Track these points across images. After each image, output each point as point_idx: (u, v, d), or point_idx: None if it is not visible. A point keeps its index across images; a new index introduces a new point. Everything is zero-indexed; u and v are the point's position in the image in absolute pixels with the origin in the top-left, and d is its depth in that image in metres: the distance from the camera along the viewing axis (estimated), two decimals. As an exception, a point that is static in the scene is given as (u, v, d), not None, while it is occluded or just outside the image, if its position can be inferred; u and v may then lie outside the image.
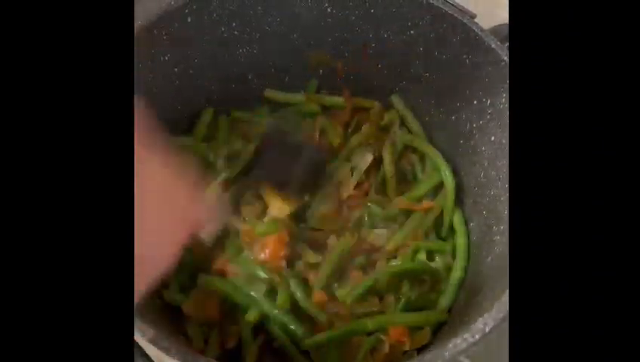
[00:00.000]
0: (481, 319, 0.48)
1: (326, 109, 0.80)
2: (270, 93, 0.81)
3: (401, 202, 0.72)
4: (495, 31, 0.76)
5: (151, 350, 0.69)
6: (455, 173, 0.76)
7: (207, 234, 0.63)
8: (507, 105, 0.64)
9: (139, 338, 0.47)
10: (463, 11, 0.66)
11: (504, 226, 0.64)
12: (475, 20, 0.66)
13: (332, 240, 0.68)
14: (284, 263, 0.65)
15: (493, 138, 0.67)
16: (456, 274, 0.67)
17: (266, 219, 0.68)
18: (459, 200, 0.75)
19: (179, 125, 0.75)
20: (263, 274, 0.63)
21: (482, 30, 0.65)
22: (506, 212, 0.64)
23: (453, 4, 0.67)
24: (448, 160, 0.77)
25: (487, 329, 0.48)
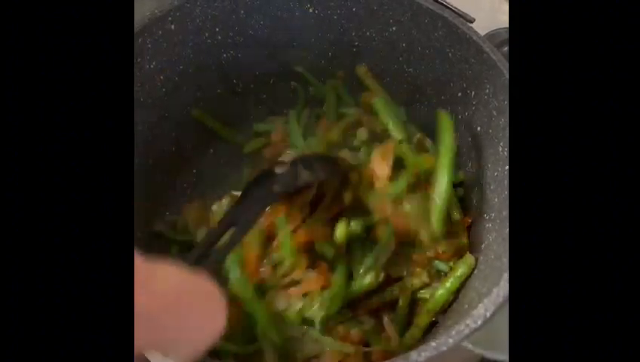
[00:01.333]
0: (481, 304, 0.49)
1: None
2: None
3: None
4: (494, 35, 0.78)
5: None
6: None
7: None
8: (491, 97, 0.65)
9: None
10: (461, 16, 0.68)
11: (495, 213, 0.66)
12: (473, 25, 0.67)
13: None
14: None
15: (479, 128, 0.69)
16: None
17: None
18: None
19: (165, 134, 0.75)
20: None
21: (463, 23, 0.67)
22: (497, 199, 0.65)
23: (452, 9, 0.69)
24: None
25: (488, 314, 0.49)
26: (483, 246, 0.67)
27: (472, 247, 0.70)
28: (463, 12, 0.72)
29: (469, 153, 0.72)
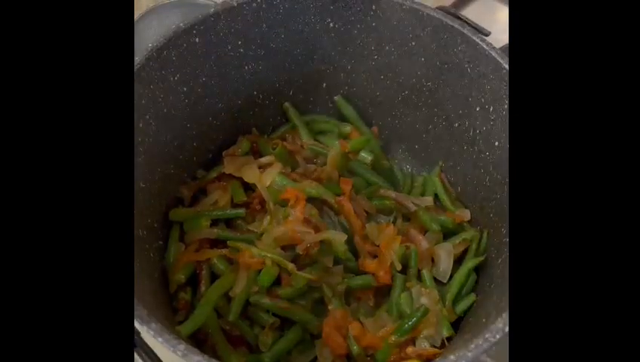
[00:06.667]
0: (500, 319, 0.50)
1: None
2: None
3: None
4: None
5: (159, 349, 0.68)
6: (460, 178, 0.79)
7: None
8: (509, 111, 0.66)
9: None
10: (477, 29, 0.69)
11: (512, 228, 0.66)
12: (489, 38, 0.68)
13: None
14: None
15: (497, 143, 0.69)
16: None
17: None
18: (464, 204, 0.79)
19: (188, 143, 0.77)
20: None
21: (482, 40, 0.68)
22: (514, 214, 0.66)
23: (467, 22, 0.69)
24: (453, 166, 0.80)
25: (506, 329, 0.49)
26: (500, 260, 0.67)
27: (490, 262, 0.70)
28: (479, 25, 0.73)
29: (487, 167, 0.72)
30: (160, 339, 0.48)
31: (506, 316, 0.50)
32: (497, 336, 0.49)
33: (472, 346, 0.49)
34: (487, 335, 0.49)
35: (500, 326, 0.50)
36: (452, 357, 0.48)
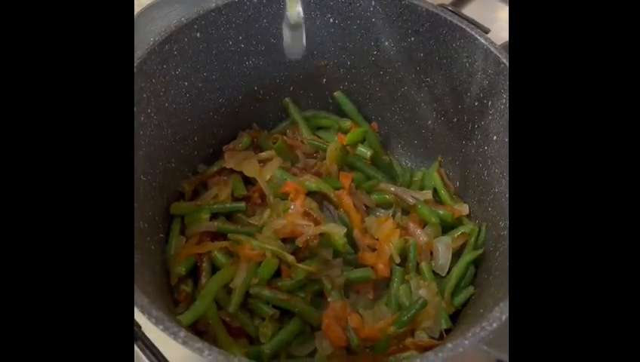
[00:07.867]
0: (497, 308, 0.51)
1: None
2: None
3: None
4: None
5: (153, 334, 0.68)
6: (458, 172, 0.80)
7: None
8: (507, 106, 0.67)
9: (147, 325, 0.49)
10: (476, 26, 0.69)
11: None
12: (489, 35, 0.69)
13: None
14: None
15: (495, 137, 0.70)
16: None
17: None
18: (462, 199, 0.80)
19: (189, 137, 0.78)
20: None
21: (481, 34, 0.68)
22: (512, 207, 0.66)
23: (467, 19, 0.70)
24: (451, 161, 0.81)
25: (503, 318, 0.50)
26: (497, 253, 0.68)
27: (488, 255, 0.71)
28: (479, 23, 0.74)
29: (485, 161, 0.73)
30: (161, 327, 0.49)
31: (502, 305, 0.50)
32: (494, 325, 0.50)
33: (469, 334, 0.49)
34: (484, 324, 0.50)
35: (498, 314, 0.50)
36: (450, 344, 0.49)
